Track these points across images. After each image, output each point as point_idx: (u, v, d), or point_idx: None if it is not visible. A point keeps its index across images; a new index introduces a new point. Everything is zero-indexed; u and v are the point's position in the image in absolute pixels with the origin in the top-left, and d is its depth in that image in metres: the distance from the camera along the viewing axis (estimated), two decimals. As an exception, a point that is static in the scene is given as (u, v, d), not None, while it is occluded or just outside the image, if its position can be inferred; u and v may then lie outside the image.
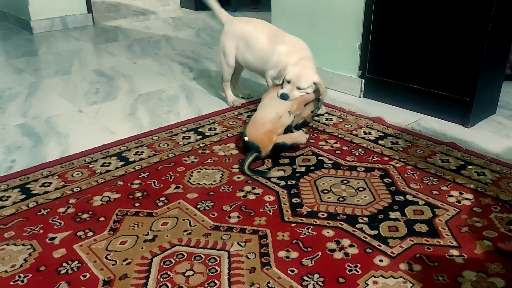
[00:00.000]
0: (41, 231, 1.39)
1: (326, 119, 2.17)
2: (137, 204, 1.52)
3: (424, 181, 1.63)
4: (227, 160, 1.81)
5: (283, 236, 1.35)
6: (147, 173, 1.71)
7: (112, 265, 1.24)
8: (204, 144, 1.94)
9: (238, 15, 4.86)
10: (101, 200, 1.55)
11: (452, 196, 1.54)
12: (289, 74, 1.95)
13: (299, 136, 1.83)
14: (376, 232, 1.36)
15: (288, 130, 1.86)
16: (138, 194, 1.58)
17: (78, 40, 3.89)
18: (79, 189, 1.61)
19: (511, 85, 2.58)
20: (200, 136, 2.02)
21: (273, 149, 1.76)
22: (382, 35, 2.29)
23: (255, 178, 1.66)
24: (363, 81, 2.46)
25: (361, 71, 2.46)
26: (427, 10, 2.08)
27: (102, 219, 1.45)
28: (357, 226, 1.39)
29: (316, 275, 1.20)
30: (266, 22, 2.21)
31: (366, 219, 1.42)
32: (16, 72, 3.02)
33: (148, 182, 1.65)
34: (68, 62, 3.23)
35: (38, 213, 1.48)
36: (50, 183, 1.65)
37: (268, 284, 1.17)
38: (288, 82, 1.95)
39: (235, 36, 2.18)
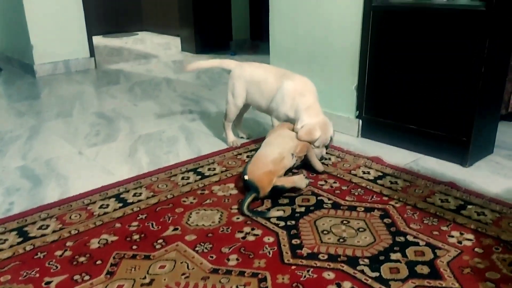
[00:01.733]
0: (37, 275, 1.37)
1: (325, 159, 2.18)
2: (134, 247, 1.50)
3: (424, 221, 1.62)
4: (226, 200, 1.81)
5: (283, 279, 1.33)
6: (145, 215, 1.70)
7: (108, 310, 1.22)
8: (203, 185, 1.94)
9: (237, 58, 4.98)
10: (98, 242, 1.53)
11: (452, 236, 1.53)
12: (320, 140, 2.02)
13: (299, 181, 1.82)
14: (377, 274, 1.34)
15: (288, 170, 1.87)
16: (136, 237, 1.56)
17: (80, 83, 3.96)
18: (76, 231, 1.60)
19: (507, 125, 2.61)
20: (200, 177, 2.02)
21: (272, 191, 1.76)
22: (377, 77, 2.35)
23: (254, 218, 1.65)
24: (361, 121, 2.49)
25: (358, 111, 2.49)
26: (421, 53, 2.14)
27: (99, 262, 1.42)
28: (358, 268, 1.37)
29: (317, 319, 1.17)
30: (273, 66, 2.28)
31: (367, 260, 1.41)
32: (18, 115, 3.06)
33: (146, 224, 1.64)
34: (70, 105, 3.28)
35: (35, 256, 1.46)
36: (48, 225, 1.64)
37: (268, 329, 1.14)
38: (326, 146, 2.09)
39: (246, 79, 2.24)
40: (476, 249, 1.45)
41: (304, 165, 2.03)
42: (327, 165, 2.12)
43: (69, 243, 1.52)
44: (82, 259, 1.44)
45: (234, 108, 2.32)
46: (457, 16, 1.98)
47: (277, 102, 2.11)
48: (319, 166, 2.02)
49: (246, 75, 2.25)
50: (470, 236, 1.52)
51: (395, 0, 2.24)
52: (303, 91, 2.07)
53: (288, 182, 1.80)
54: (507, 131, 2.52)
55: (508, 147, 2.31)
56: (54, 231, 1.60)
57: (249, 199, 1.71)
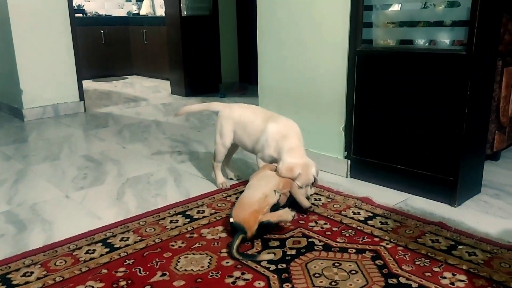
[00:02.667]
0: (18, 326, 1.31)
1: (315, 199, 2.17)
2: (121, 294, 1.46)
3: (416, 263, 1.61)
4: (216, 244, 1.78)
5: (274, 325, 1.29)
6: (133, 260, 1.66)
7: None
8: (192, 228, 1.91)
9: (227, 100, 5.04)
10: (83, 290, 1.48)
11: (445, 277, 1.51)
12: (301, 179, 2.01)
13: (285, 214, 1.82)
14: (370, 318, 1.31)
15: (275, 209, 1.86)
16: (123, 283, 1.52)
17: (69, 127, 3.96)
18: (61, 278, 1.55)
19: (492, 165, 2.65)
20: (188, 220, 1.99)
21: (259, 228, 1.74)
22: (364, 118, 2.39)
23: (245, 262, 1.62)
24: (349, 161, 2.51)
25: (346, 152, 2.52)
26: (406, 95, 2.19)
27: (84, 310, 1.38)
28: (351, 312, 1.34)
29: None
30: (261, 108, 2.33)
31: (359, 304, 1.38)
32: (4, 159, 3.03)
33: (133, 270, 1.60)
34: (58, 148, 3.26)
35: (16, 306, 1.40)
36: (32, 272, 1.59)
37: None
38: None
39: (234, 120, 2.28)
40: (469, 290, 1.44)
41: (293, 205, 2.02)
42: (317, 205, 2.11)
43: (53, 291, 1.48)
44: (66, 307, 1.39)
45: (222, 148, 2.33)
46: (438, 60, 2.05)
47: (262, 144, 2.14)
48: (304, 202, 2.02)
49: (234, 116, 2.28)
50: (463, 277, 1.51)
51: (378, 45, 2.32)
52: (286, 134, 2.10)
53: (274, 216, 1.79)
54: (493, 170, 2.56)
55: (495, 186, 2.34)
56: (38, 278, 1.55)
57: (237, 241, 1.68)
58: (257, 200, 1.81)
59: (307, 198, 2.09)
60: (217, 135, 2.34)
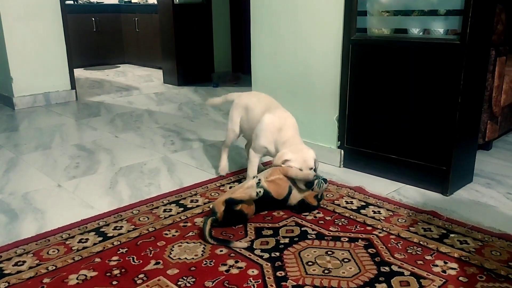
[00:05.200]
0: (11, 315, 1.31)
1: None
2: (114, 283, 1.45)
3: (408, 251, 1.62)
4: (209, 233, 1.78)
5: (267, 312, 1.30)
6: (126, 249, 1.66)
7: None
8: (185, 217, 1.91)
9: (220, 90, 5.02)
10: (77, 279, 1.48)
11: (437, 265, 1.53)
12: (294, 166, 1.92)
13: (248, 190, 1.82)
14: (363, 305, 1.32)
15: (266, 196, 1.85)
16: (116, 272, 1.52)
17: (60, 115, 3.92)
18: (54, 267, 1.55)
19: (484, 154, 2.67)
20: (182, 209, 1.99)
21: (226, 208, 1.76)
22: (358, 107, 2.39)
23: (238, 250, 1.62)
24: (342, 151, 2.51)
25: (340, 142, 2.52)
26: (399, 84, 2.19)
27: (77, 299, 1.37)
28: (344, 299, 1.35)
29: None
30: (270, 97, 2.28)
31: (352, 292, 1.39)
32: (-5, 147, 3.00)
33: (126, 258, 1.59)
34: (49, 137, 3.24)
35: (9, 295, 1.40)
36: (24, 261, 1.58)
37: None
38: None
39: (241, 106, 2.30)
40: (460, 278, 1.45)
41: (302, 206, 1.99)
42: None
43: (46, 280, 1.47)
44: (59, 296, 1.39)
45: (232, 134, 2.36)
46: (432, 49, 2.05)
47: (256, 133, 2.13)
48: (302, 180, 1.93)
49: (241, 103, 2.30)
50: (454, 265, 1.53)
51: (373, 34, 2.31)
52: (281, 126, 2.06)
53: (236, 193, 1.80)
54: (485, 160, 2.58)
55: (486, 175, 2.36)
56: (30, 267, 1.54)
57: (207, 225, 1.71)
58: (238, 187, 1.85)
59: (319, 199, 2.00)
60: (228, 121, 2.37)
